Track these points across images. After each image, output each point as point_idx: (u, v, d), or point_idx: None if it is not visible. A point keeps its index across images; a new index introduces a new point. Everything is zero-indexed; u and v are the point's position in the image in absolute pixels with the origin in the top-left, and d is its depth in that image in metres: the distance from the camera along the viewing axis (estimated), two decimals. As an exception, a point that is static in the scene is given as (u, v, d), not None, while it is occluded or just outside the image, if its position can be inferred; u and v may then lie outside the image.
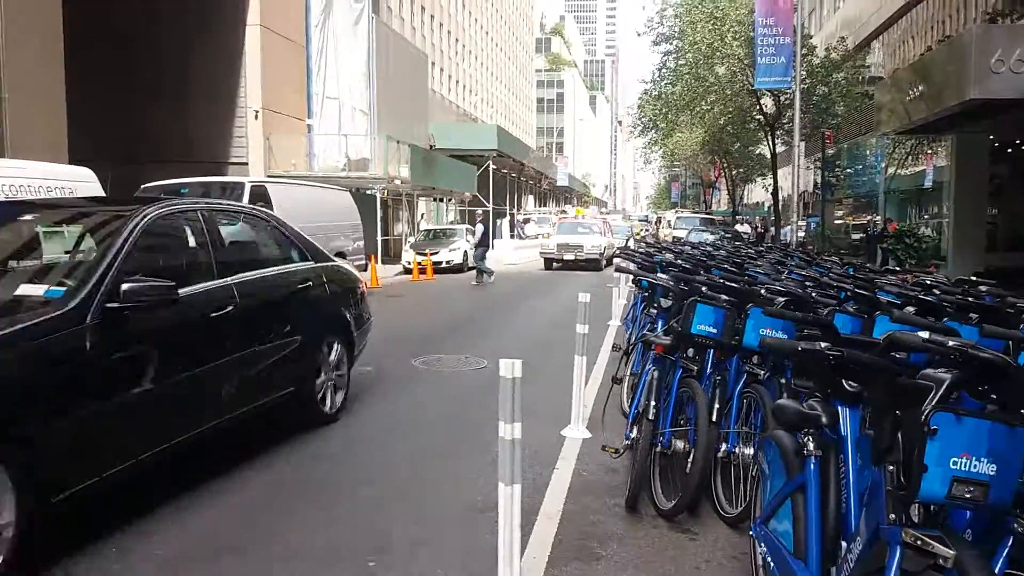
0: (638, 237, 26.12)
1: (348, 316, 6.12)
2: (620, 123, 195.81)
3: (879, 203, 26.33)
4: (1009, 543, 2.05)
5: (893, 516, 2.05)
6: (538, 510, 4.04)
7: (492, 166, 40.55)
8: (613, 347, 8.75)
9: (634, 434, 4.28)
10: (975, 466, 1.93)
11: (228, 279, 4.65)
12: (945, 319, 3.95)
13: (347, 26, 29.10)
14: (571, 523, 3.92)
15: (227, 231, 5.19)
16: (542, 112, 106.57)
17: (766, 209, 39.82)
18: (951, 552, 1.86)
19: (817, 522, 2.50)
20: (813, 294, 4.68)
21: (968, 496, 1.93)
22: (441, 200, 41.40)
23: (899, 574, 1.97)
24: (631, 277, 8.25)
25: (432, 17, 50.62)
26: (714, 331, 4.18)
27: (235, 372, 4.61)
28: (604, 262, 23.44)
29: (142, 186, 12.19)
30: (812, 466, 2.59)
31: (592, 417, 5.83)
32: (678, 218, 35.27)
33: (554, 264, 24.01)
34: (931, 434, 1.93)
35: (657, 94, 26.27)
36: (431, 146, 38.85)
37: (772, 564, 2.67)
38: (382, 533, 3.81)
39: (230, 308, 4.54)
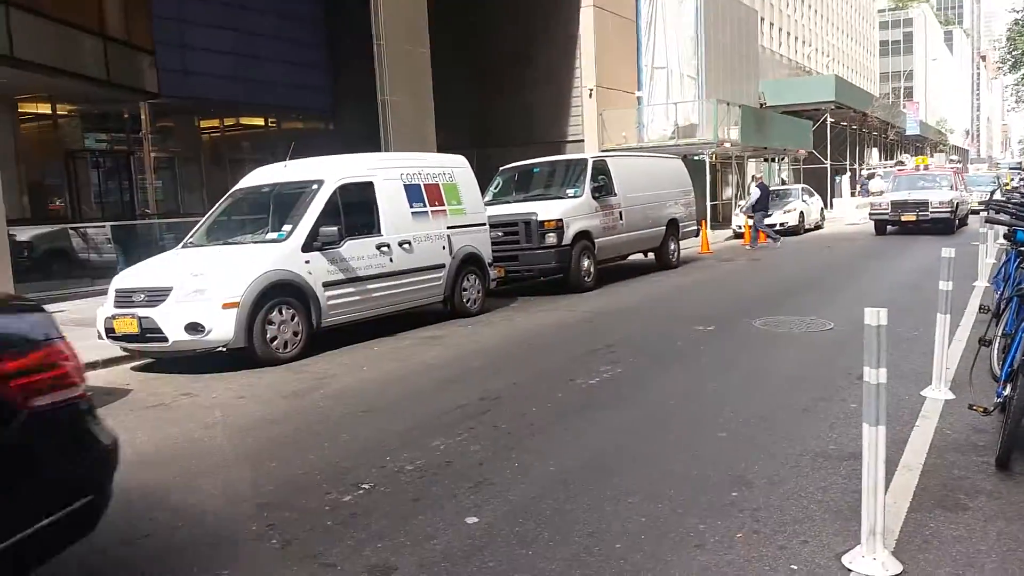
0: (1008, 187, 22.49)
1: None
2: (983, 59, 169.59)
3: None
4: None
5: None
6: (897, 462, 4.08)
7: (830, 119, 38.03)
8: (980, 308, 8.09)
9: (1007, 392, 4.12)
10: None
11: None
12: None
13: (674, -5, 29.14)
14: (933, 476, 3.94)
15: None
16: (886, 56, 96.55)
17: None
18: None
19: None
20: None
21: None
22: (772, 160, 39.79)
23: None
24: (1001, 233, 7.56)
25: (760, -30, 48.45)
26: None
27: None
28: (956, 222, 19.56)
29: (500, 168, 13.65)
30: None
31: (956, 379, 5.59)
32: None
33: (888, 228, 19.81)
34: None
35: (1033, 21, 22.65)
36: (761, 104, 37.50)
37: None
38: (740, 471, 4.16)
39: None
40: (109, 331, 7.40)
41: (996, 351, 5.70)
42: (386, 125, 17.75)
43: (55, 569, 2.74)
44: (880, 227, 19.88)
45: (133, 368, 7.82)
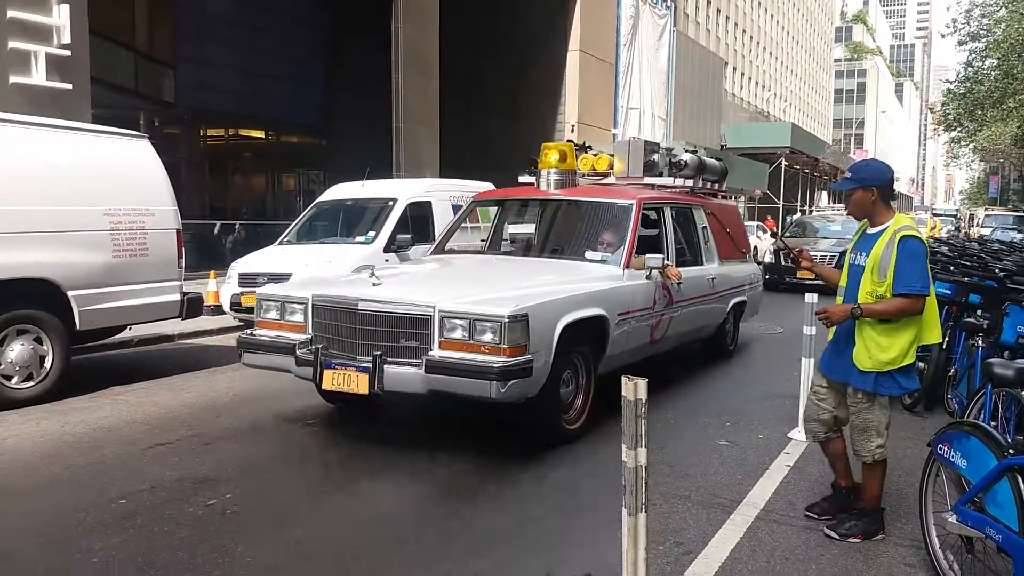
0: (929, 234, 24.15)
1: None
2: (931, 110, 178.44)
3: None
4: None
5: None
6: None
7: (784, 163, 41.31)
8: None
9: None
10: None
11: None
12: None
13: (651, 41, 32.10)
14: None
15: None
16: (840, 103, 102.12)
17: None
18: None
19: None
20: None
21: None
22: (729, 197, 42.91)
23: None
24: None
25: (727, 18, 52.10)
26: (948, 292, 6.40)
27: None
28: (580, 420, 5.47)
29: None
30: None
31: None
32: (987, 216, 33.57)
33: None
34: None
35: (963, 92, 25.93)
36: (722, 146, 40.69)
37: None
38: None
39: None
40: (235, 305, 9.56)
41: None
42: (398, 149, 19.80)
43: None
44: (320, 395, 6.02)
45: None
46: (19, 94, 10.05)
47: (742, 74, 56.62)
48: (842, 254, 4.25)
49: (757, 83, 60.96)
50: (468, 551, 3.61)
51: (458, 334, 4.59)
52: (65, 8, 10.66)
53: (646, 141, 7.41)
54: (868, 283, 3.68)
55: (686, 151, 8.04)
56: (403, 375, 4.68)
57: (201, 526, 3.84)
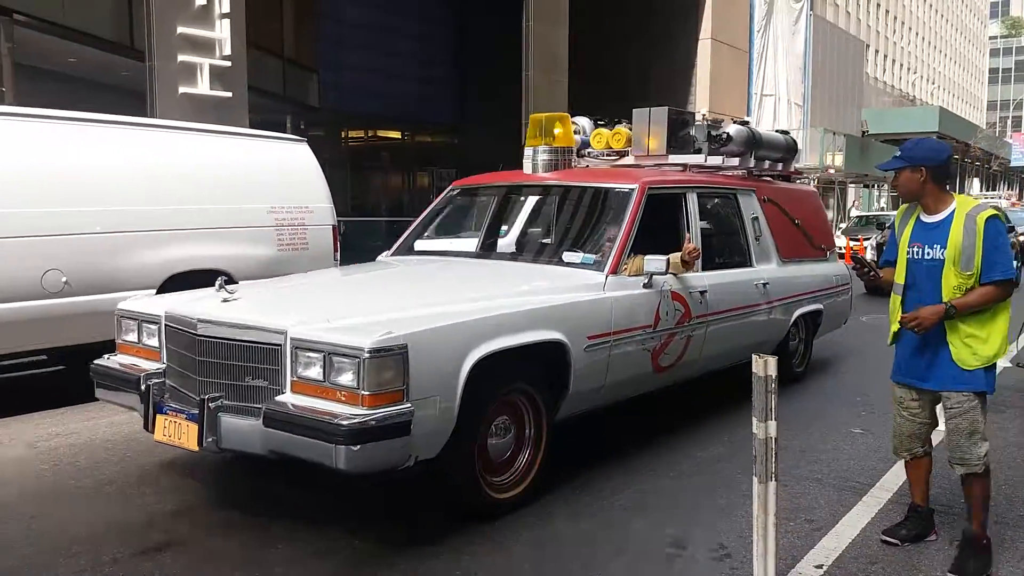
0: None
1: None
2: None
3: None
4: None
5: None
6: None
7: (932, 150, 39.03)
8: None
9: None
10: None
11: None
12: None
13: (786, 27, 31.13)
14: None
15: None
16: (995, 84, 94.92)
17: None
18: None
19: None
20: None
21: None
22: (871, 187, 40.97)
23: None
24: None
25: (868, -1, 49.66)
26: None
27: None
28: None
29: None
30: None
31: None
32: None
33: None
34: None
35: None
36: (863, 132, 38.91)
37: None
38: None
39: None
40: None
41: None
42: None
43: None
44: None
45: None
46: (187, 103, 11.13)
47: (885, 56, 53.73)
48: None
49: (902, 65, 57.69)
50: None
51: (314, 372, 3.30)
52: (226, 23, 11.66)
53: (671, 109, 5.86)
54: (953, 277, 3.31)
55: (734, 122, 6.49)
56: (240, 428, 3.44)
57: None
